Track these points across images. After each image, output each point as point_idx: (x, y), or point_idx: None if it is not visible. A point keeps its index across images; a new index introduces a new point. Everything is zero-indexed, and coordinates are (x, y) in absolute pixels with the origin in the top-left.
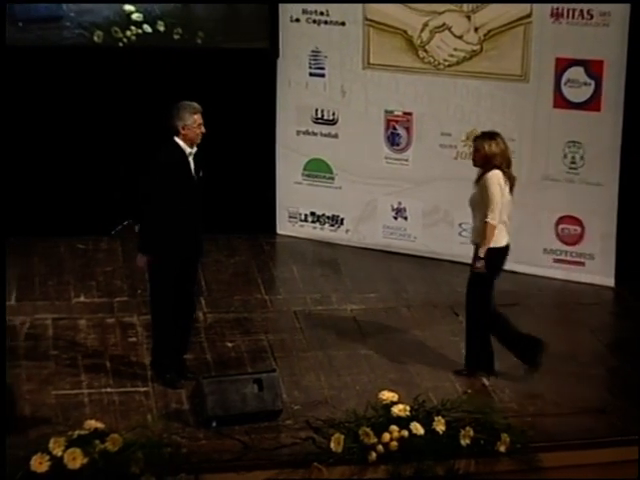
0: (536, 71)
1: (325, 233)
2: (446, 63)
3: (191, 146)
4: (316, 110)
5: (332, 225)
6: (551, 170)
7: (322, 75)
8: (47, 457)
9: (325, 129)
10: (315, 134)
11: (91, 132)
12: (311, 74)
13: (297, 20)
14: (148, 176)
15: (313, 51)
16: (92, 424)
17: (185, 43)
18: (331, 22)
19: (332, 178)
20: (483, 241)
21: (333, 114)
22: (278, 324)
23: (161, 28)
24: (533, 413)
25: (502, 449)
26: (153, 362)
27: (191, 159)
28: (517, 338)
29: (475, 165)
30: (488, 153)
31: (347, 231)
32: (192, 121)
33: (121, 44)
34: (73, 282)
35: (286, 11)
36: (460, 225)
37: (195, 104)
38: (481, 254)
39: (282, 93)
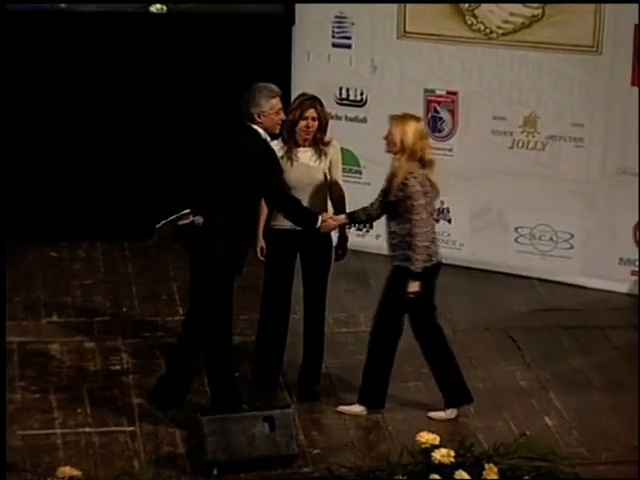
0: (611, 41)
1: (351, 239)
2: (500, 31)
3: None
4: (340, 89)
5: (359, 229)
6: (629, 162)
7: (348, 46)
8: None
9: (351, 112)
10: (339, 118)
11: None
12: (334, 45)
13: None
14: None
15: (337, 16)
16: (67, 471)
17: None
18: None
19: (359, 172)
20: None
21: (361, 94)
22: None
23: None
24: (606, 460)
25: None
26: (158, 391)
27: None
28: None
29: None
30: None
31: (378, 237)
32: (269, 107)
33: None
34: (44, 298)
35: None
36: (516, 229)
37: (273, 86)
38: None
39: (299, 68)
